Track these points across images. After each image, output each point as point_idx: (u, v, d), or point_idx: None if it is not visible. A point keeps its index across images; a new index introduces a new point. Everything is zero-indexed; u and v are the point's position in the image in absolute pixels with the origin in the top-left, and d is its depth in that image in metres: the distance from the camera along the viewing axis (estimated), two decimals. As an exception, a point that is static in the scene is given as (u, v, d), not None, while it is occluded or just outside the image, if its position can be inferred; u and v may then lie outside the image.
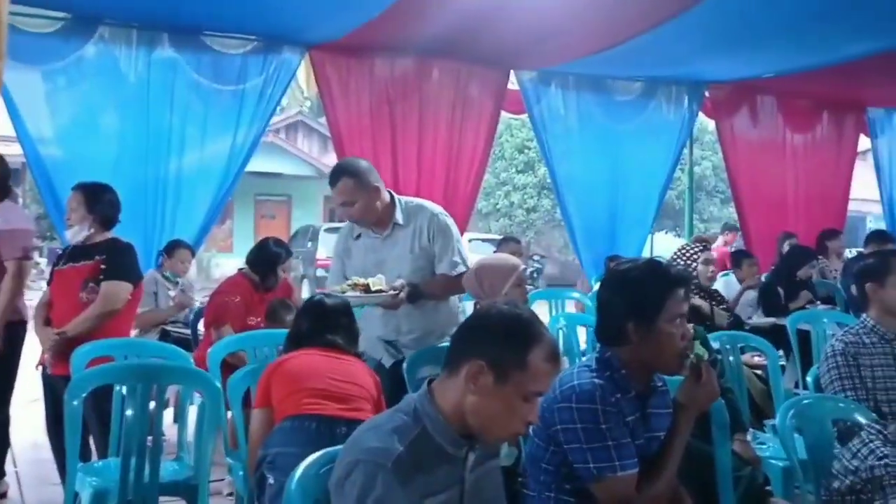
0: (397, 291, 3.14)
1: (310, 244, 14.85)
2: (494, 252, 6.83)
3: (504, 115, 7.25)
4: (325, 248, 14.73)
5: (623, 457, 2.01)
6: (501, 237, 7.45)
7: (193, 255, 5.55)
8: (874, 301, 3.05)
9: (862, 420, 2.59)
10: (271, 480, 2.59)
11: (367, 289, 3.09)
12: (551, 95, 6.94)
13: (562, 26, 5.46)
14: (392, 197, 3.39)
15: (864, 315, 3.15)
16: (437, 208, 3.47)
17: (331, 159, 6.65)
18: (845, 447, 2.44)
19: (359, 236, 3.45)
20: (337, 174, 3.31)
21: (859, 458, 2.33)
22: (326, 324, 2.96)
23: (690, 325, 2.17)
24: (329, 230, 15.63)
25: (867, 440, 2.33)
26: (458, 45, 5.85)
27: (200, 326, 4.68)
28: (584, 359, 2.33)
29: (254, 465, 2.74)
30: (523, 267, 3.18)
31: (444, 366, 1.72)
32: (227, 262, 16.67)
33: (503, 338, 1.65)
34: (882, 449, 2.27)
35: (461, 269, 3.31)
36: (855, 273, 3.28)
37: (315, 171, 20.74)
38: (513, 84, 6.82)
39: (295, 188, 21.24)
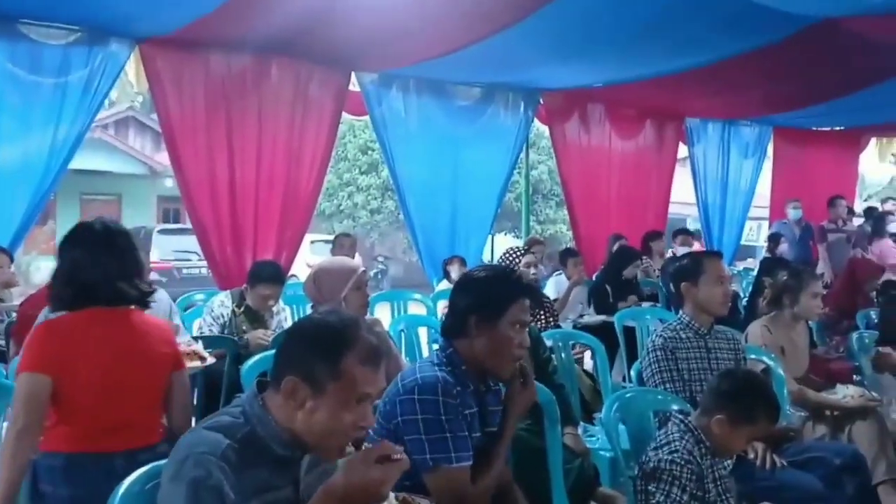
0: None
1: (142, 246, 14.09)
2: (331, 251, 6.79)
3: (347, 116, 7.22)
4: (159, 250, 14.06)
5: (459, 449, 2.07)
6: (335, 235, 7.42)
7: (11, 259, 5.12)
8: (689, 299, 3.29)
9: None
10: None
11: None
12: (392, 98, 6.98)
13: (402, 30, 5.50)
14: None
15: (680, 312, 3.38)
16: None
17: (165, 157, 6.34)
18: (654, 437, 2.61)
19: None
20: None
21: (656, 447, 2.49)
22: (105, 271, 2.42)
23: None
24: (164, 231, 14.93)
25: (671, 431, 2.49)
26: (297, 44, 5.76)
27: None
28: (429, 353, 2.40)
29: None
30: (363, 269, 3.18)
31: (270, 381, 1.69)
32: (49, 266, 15.49)
33: (312, 350, 1.62)
34: (677, 443, 2.43)
35: None
36: (671, 273, 3.52)
37: (147, 170, 19.72)
38: (354, 85, 6.79)
39: (125, 187, 20.11)
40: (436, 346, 4.79)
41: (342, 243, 6.73)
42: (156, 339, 2.48)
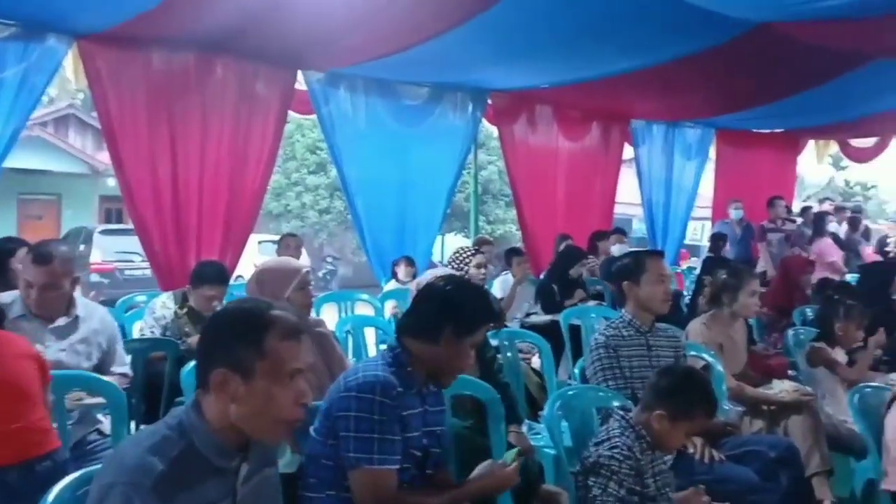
0: None
1: (83, 247, 13.72)
2: (276, 251, 6.72)
3: (295, 115, 7.14)
4: (100, 250, 13.73)
5: (383, 451, 2.08)
6: (281, 236, 7.35)
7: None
8: (630, 298, 3.34)
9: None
10: None
11: None
12: (339, 97, 6.93)
13: (348, 28, 5.47)
14: None
15: (622, 310, 3.43)
16: None
17: (107, 156, 6.19)
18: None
19: None
20: None
21: (597, 443, 2.53)
22: None
23: None
24: (105, 232, 14.56)
25: (612, 427, 2.53)
26: (241, 41, 5.68)
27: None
28: (376, 353, 2.43)
29: None
30: (306, 269, 3.15)
31: (196, 384, 1.67)
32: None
33: (233, 337, 1.62)
34: (617, 439, 2.47)
35: None
36: (613, 272, 3.57)
37: (89, 169, 19.28)
38: (302, 84, 6.74)
39: (66, 186, 19.61)
40: (384, 347, 4.80)
41: (288, 244, 6.66)
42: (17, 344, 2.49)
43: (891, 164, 13.22)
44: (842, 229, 10.95)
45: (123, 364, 3.40)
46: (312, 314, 4.40)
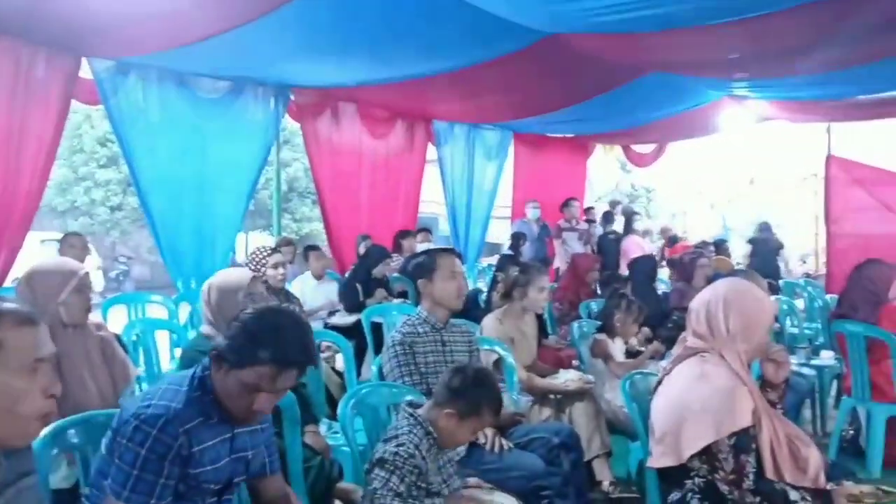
0: None
1: None
2: (58, 251, 6.21)
3: (82, 105, 6.61)
4: None
5: (135, 490, 1.94)
6: (63, 235, 6.81)
7: None
8: (426, 295, 3.42)
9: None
10: None
11: None
12: (130, 87, 6.52)
13: (139, 15, 5.16)
14: None
15: (418, 307, 3.51)
16: None
17: None
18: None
19: None
20: None
21: (385, 440, 2.54)
22: None
23: None
24: None
25: (400, 424, 2.57)
26: (18, 21, 5.20)
27: None
28: (182, 373, 2.20)
29: None
30: (85, 271, 2.93)
31: None
32: None
33: None
34: (404, 437, 2.50)
35: None
36: (409, 270, 3.64)
37: None
38: (88, 72, 6.27)
39: None
40: (178, 351, 4.59)
41: (72, 243, 6.16)
42: None
43: (669, 169, 14.47)
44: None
45: None
46: (99, 318, 4.13)
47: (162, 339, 4.90)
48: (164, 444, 1.96)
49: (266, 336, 2.04)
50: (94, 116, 17.10)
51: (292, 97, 7.89)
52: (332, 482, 3.04)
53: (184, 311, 5.95)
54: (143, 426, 1.96)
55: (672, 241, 10.48)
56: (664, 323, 5.40)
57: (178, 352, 4.76)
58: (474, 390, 2.58)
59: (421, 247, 8.12)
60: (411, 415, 2.56)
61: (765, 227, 11.18)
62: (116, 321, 5.19)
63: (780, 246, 10.93)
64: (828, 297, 7.17)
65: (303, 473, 2.88)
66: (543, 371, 4.30)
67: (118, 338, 3.95)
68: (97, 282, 9.18)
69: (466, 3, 4.93)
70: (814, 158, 11.93)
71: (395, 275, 7.24)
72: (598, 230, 11.20)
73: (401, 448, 2.44)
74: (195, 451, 2.03)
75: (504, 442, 3.18)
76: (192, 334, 4.81)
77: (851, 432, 4.82)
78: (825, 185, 9.73)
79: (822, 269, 10.80)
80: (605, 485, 3.88)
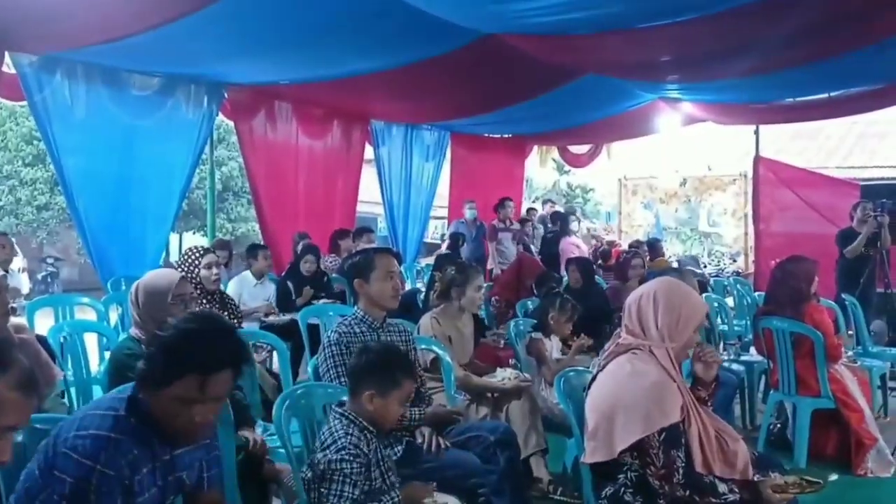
0: None
1: None
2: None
3: (7, 101, 6.38)
4: None
5: None
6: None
7: None
8: (362, 294, 3.40)
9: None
10: None
11: None
12: (56, 83, 6.34)
13: (64, 8, 5.01)
14: None
15: (355, 307, 3.48)
16: None
17: None
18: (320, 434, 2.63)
19: None
20: None
21: (324, 447, 2.49)
22: None
23: None
24: None
25: (334, 427, 2.53)
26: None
27: None
28: (115, 393, 2.09)
29: None
30: (2, 274, 2.83)
31: None
32: None
33: None
34: (343, 440, 2.46)
35: None
36: (346, 270, 3.61)
37: None
38: (12, 68, 6.05)
39: None
40: (108, 354, 4.46)
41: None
42: None
43: (604, 170, 14.71)
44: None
45: None
46: (21, 320, 4.00)
47: (91, 341, 4.75)
48: (109, 478, 1.86)
49: (182, 347, 1.97)
50: (19, 113, 16.49)
51: (227, 95, 7.76)
52: (260, 459, 3.03)
53: (114, 314, 5.79)
54: (85, 461, 1.84)
55: (604, 255, 10.48)
56: (611, 321, 5.47)
57: (107, 354, 4.62)
58: (381, 362, 2.57)
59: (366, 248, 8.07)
60: (342, 414, 2.53)
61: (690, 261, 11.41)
62: (44, 324, 5.01)
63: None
64: (756, 294, 7.38)
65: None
66: (481, 370, 4.32)
67: (44, 340, 3.84)
68: (24, 284, 8.86)
69: (403, 1, 4.92)
70: (743, 159, 12.33)
71: (335, 275, 7.19)
72: (540, 230, 11.30)
73: (342, 452, 2.41)
74: (136, 480, 1.94)
75: (441, 441, 3.18)
76: (122, 336, 4.68)
77: (779, 425, 4.98)
78: (754, 186, 10.05)
79: (752, 267, 11.14)
80: (544, 482, 3.92)
